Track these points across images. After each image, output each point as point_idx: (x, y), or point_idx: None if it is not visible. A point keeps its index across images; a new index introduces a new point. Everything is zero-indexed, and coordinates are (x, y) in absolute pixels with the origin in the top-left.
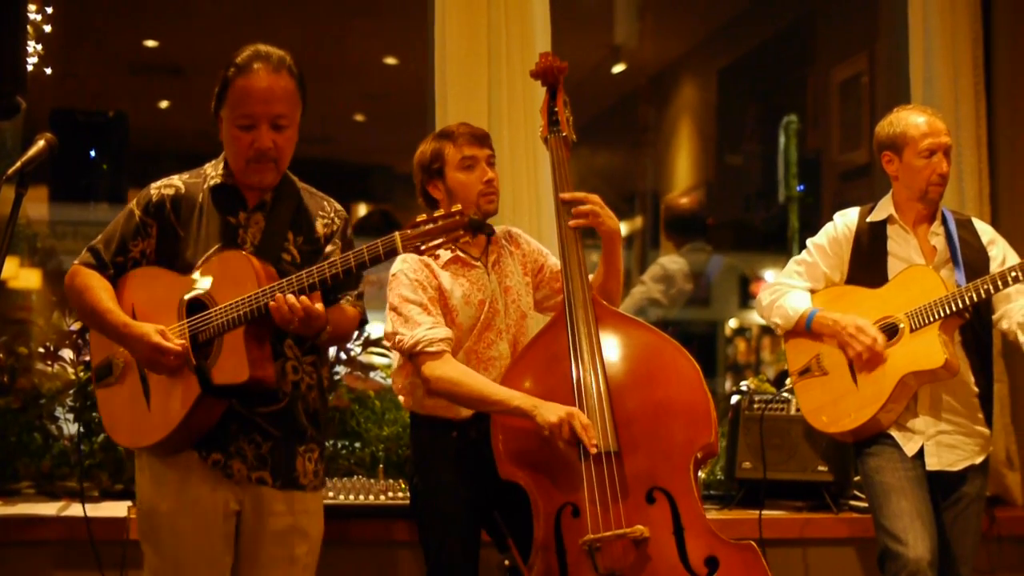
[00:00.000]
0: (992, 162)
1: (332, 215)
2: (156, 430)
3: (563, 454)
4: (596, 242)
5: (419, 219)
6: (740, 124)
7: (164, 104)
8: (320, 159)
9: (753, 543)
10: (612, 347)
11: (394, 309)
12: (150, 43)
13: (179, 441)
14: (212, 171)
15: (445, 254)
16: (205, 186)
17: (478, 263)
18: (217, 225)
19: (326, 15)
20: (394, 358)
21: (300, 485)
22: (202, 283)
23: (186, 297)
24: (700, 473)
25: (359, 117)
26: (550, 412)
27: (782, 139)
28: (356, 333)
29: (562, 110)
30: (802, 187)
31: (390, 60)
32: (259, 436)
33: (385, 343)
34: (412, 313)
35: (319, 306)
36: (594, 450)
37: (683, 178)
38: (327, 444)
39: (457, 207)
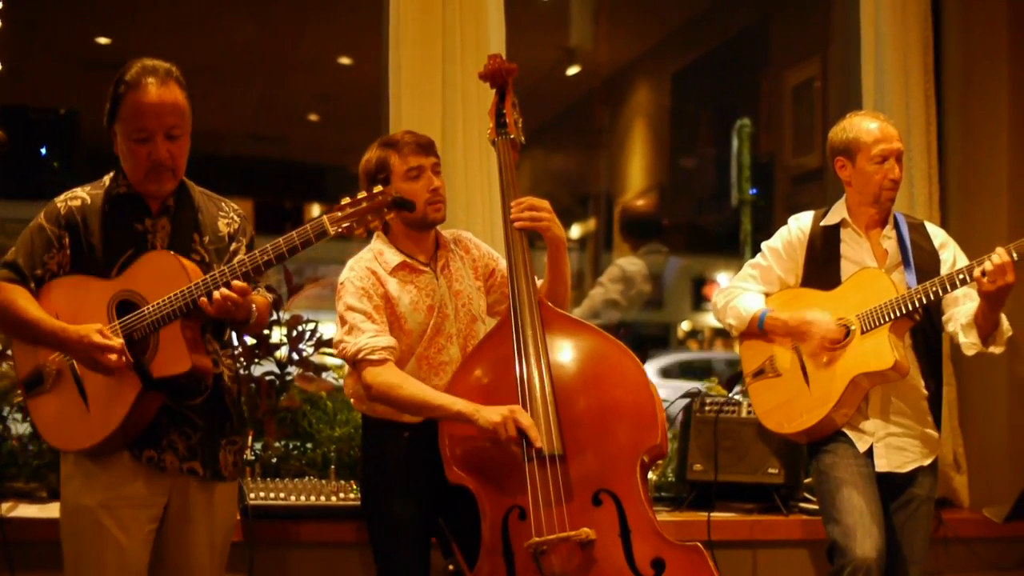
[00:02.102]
0: (942, 167)
1: (232, 214)
2: (98, 431)
3: (509, 457)
4: (544, 242)
5: (344, 202)
6: (693, 127)
7: None
8: (274, 159)
9: (699, 544)
10: (558, 350)
11: (340, 317)
12: (102, 40)
13: (118, 440)
14: (111, 182)
15: (394, 259)
16: (107, 196)
17: (427, 268)
18: (125, 233)
19: (281, 15)
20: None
21: (222, 476)
22: (128, 284)
23: (114, 298)
24: (651, 475)
25: (313, 117)
26: (492, 413)
27: (735, 143)
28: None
29: (510, 112)
30: (755, 190)
31: (344, 60)
32: (189, 428)
33: (334, 351)
34: (356, 321)
35: (247, 290)
36: (539, 444)
37: (637, 181)
38: (278, 444)
39: (378, 188)
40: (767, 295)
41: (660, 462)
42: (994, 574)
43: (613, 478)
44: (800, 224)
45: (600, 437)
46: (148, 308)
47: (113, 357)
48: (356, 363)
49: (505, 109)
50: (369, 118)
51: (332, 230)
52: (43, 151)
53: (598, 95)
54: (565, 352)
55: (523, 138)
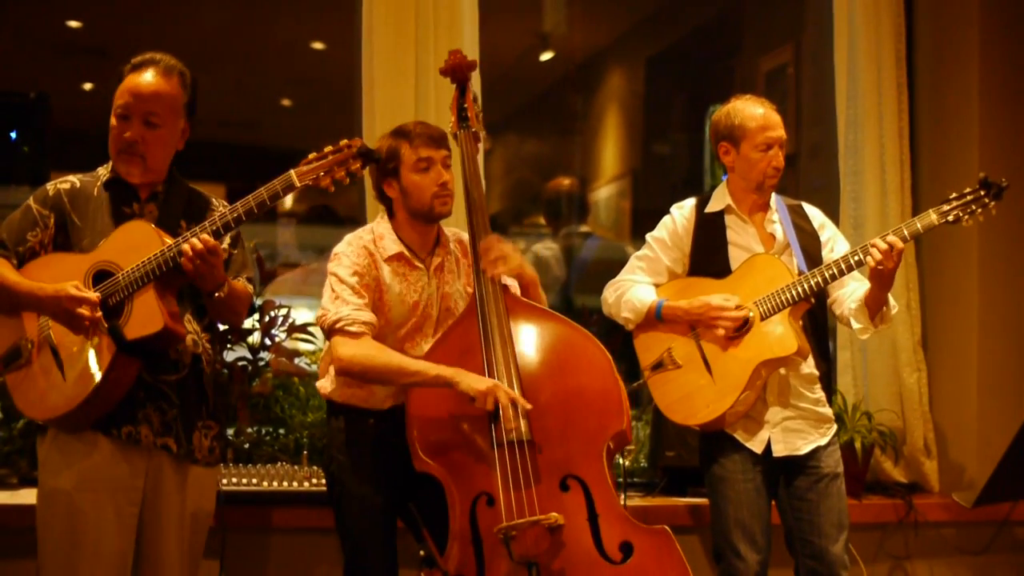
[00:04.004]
0: (913, 153)
1: (221, 207)
2: (74, 396)
3: (477, 444)
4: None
5: (311, 156)
6: (667, 113)
7: (88, 86)
8: (247, 144)
9: (667, 528)
10: (524, 338)
11: (328, 286)
12: (73, 24)
13: (93, 408)
14: (104, 171)
15: (392, 247)
16: (98, 183)
17: (421, 265)
18: (113, 215)
19: (253, 0)
20: (323, 343)
21: (195, 459)
22: (104, 255)
23: (91, 268)
24: (625, 461)
25: (286, 102)
26: (476, 380)
27: (708, 128)
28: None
29: (471, 106)
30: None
31: (317, 45)
32: (165, 404)
33: (316, 313)
34: (343, 293)
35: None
36: (511, 425)
37: (610, 166)
38: (250, 430)
39: (345, 140)
40: (657, 286)
41: (631, 448)
42: (963, 558)
43: (580, 464)
44: (684, 212)
45: (567, 423)
46: (121, 273)
47: (86, 311)
48: (332, 332)
49: (466, 104)
50: (342, 103)
51: (299, 182)
52: (13, 135)
53: (572, 80)
54: (531, 339)
55: (484, 132)
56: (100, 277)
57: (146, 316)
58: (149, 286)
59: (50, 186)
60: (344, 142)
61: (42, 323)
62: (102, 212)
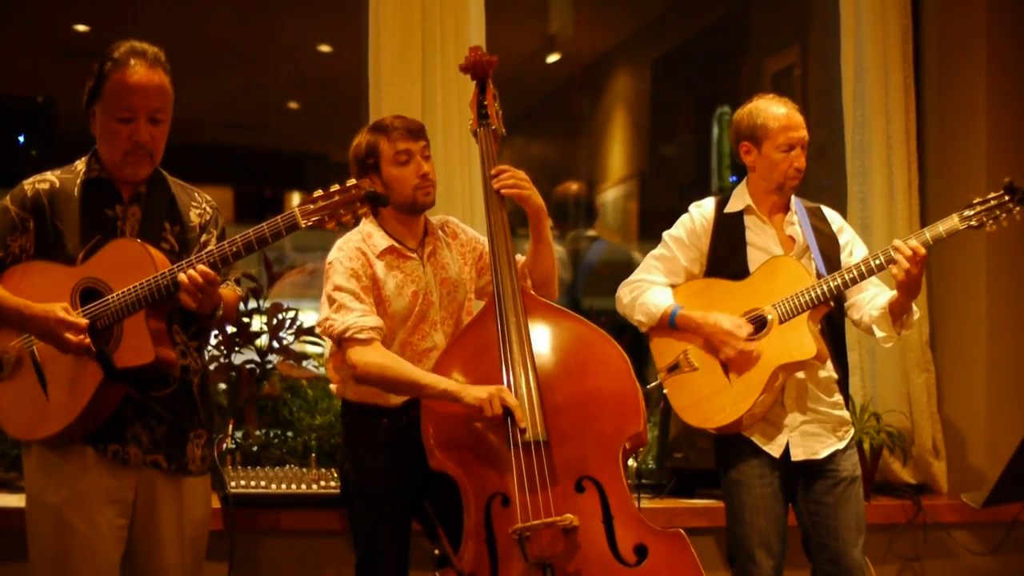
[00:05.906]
0: (921, 154)
1: (204, 205)
2: (57, 420)
3: (492, 444)
4: (526, 231)
5: (316, 194)
6: (674, 115)
7: None
8: (254, 147)
9: (681, 531)
10: (541, 338)
11: (328, 296)
12: (80, 27)
13: (78, 430)
14: (83, 166)
15: (382, 243)
16: (78, 181)
17: (413, 254)
18: (95, 218)
19: (260, 2)
20: (327, 345)
21: (188, 471)
22: (93, 271)
23: (78, 285)
24: (631, 462)
25: (293, 105)
26: (478, 389)
27: (715, 130)
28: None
29: (491, 103)
30: (735, 178)
31: (324, 48)
32: (154, 421)
33: (317, 329)
34: (345, 300)
35: (215, 279)
36: (523, 424)
37: (617, 168)
38: (259, 433)
39: (352, 181)
40: (673, 286)
41: (640, 450)
42: (972, 559)
43: (596, 465)
44: (703, 211)
45: (583, 424)
46: (112, 296)
47: (73, 337)
48: (342, 342)
49: (486, 101)
50: (350, 106)
51: (303, 222)
52: (20, 139)
53: (578, 82)
54: (549, 340)
55: (504, 129)
56: (87, 294)
57: (137, 345)
58: (140, 313)
59: (27, 185)
60: (351, 183)
61: (25, 336)
62: (84, 215)
